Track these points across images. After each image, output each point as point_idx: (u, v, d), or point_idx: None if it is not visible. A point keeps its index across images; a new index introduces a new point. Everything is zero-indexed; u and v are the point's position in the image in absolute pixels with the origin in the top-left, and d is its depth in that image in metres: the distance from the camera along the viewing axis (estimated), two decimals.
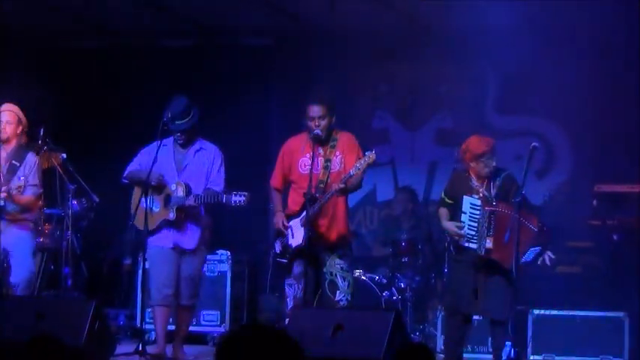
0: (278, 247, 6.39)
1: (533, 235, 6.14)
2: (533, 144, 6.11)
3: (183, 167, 6.49)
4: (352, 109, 9.12)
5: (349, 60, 9.24)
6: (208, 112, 9.16)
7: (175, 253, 6.50)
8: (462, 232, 6.12)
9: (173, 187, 6.38)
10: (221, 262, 7.94)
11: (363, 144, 6.49)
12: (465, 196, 6.17)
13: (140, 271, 6.99)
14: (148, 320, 7.01)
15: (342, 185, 6.07)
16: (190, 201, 6.32)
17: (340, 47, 9.11)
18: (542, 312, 7.30)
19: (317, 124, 6.12)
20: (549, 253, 6.36)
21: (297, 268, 6.16)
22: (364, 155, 6.08)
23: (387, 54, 9.24)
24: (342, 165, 6.19)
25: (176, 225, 6.47)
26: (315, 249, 6.18)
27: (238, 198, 6.08)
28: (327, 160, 6.21)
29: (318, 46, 9.16)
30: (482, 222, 6.09)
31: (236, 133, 8.82)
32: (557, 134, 8.93)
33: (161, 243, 6.51)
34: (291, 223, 6.27)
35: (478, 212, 6.15)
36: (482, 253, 6.11)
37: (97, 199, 7.98)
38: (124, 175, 6.67)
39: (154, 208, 6.49)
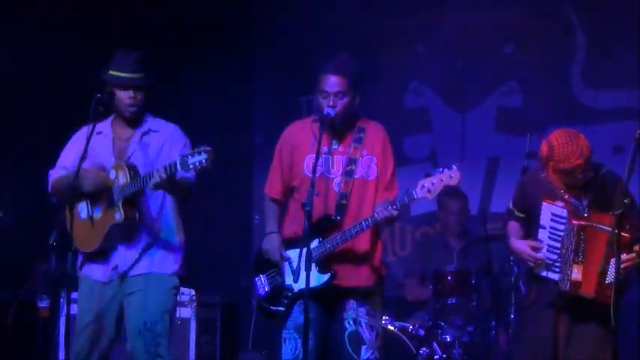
0: (263, 288, 6.16)
1: None
2: None
3: (126, 160, 6.22)
4: (374, 78, 8.89)
5: (368, 8, 9.09)
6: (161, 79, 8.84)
7: (116, 287, 6.05)
8: (541, 255, 5.99)
9: (112, 173, 6.16)
10: (182, 306, 7.78)
11: (391, 132, 6.12)
12: (544, 203, 6.00)
13: (62, 319, 6.98)
14: None
15: (394, 212, 5.74)
16: (138, 184, 5.97)
17: None
18: None
19: (332, 102, 5.95)
20: None
21: (301, 315, 5.88)
22: (439, 171, 5.64)
23: None
24: (376, 172, 6.01)
25: (126, 238, 6.08)
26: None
27: (197, 158, 5.77)
28: (352, 161, 6.05)
29: None
30: (568, 243, 5.96)
31: (204, 111, 8.69)
32: None
33: (97, 274, 6.08)
34: (290, 252, 6.10)
35: (563, 227, 5.99)
36: (567, 287, 5.91)
37: (0, 214, 8.09)
38: (50, 189, 6.31)
39: (94, 215, 6.25)
